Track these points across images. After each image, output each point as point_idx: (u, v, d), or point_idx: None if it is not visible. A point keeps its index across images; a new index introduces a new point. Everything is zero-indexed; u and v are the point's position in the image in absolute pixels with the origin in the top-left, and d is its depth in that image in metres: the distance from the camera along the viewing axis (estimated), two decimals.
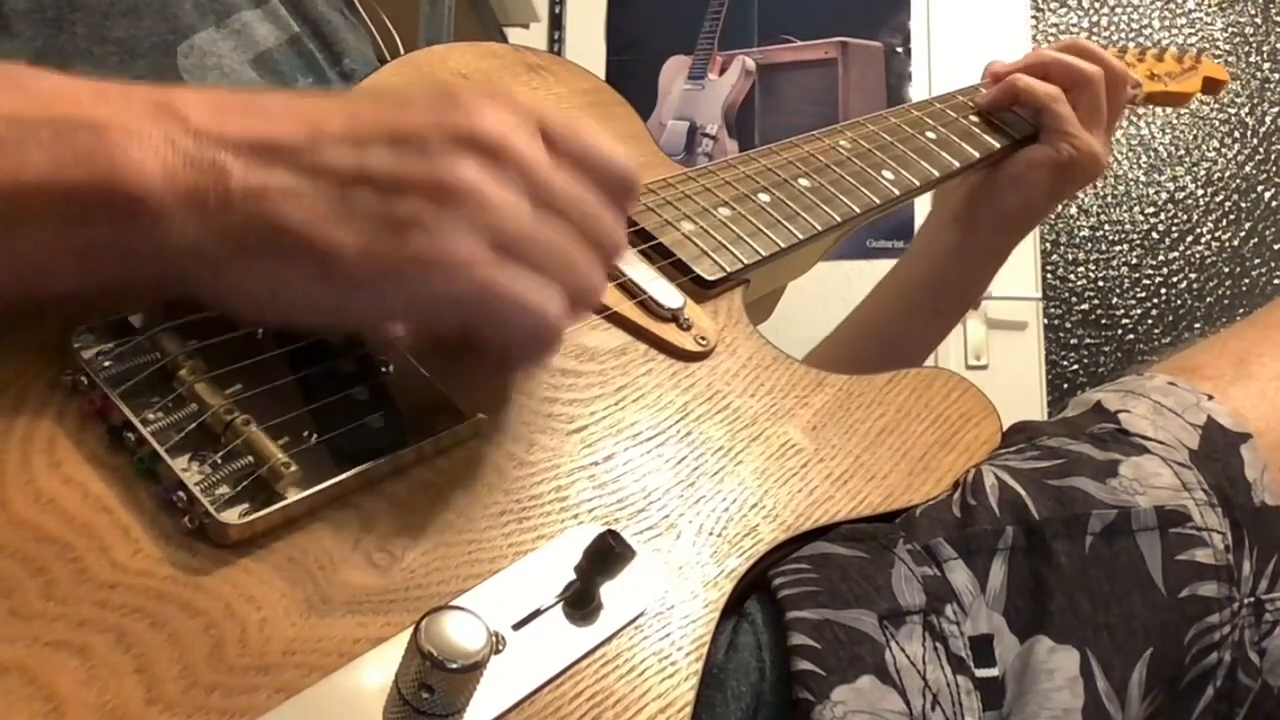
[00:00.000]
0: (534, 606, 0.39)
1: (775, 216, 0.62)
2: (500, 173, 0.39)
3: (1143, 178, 2.04)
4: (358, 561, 0.38)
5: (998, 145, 0.80)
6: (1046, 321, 1.96)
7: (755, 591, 0.46)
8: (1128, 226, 2.03)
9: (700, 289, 0.57)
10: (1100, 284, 2.02)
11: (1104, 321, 2.02)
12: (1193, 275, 2.01)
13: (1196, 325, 1.99)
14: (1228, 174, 2.03)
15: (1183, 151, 2.04)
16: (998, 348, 1.83)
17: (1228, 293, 2.00)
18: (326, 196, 0.38)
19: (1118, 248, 2.03)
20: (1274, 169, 2.03)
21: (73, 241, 0.37)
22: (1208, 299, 2.00)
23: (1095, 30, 2.09)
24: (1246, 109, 2.04)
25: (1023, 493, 0.49)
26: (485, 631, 0.34)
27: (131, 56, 0.54)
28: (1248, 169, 2.03)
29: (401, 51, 0.63)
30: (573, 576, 0.40)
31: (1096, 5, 2.10)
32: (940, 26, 1.97)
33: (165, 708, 0.33)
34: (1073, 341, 2.02)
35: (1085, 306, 2.02)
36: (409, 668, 0.34)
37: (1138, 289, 2.02)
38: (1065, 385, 1.99)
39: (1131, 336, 2.01)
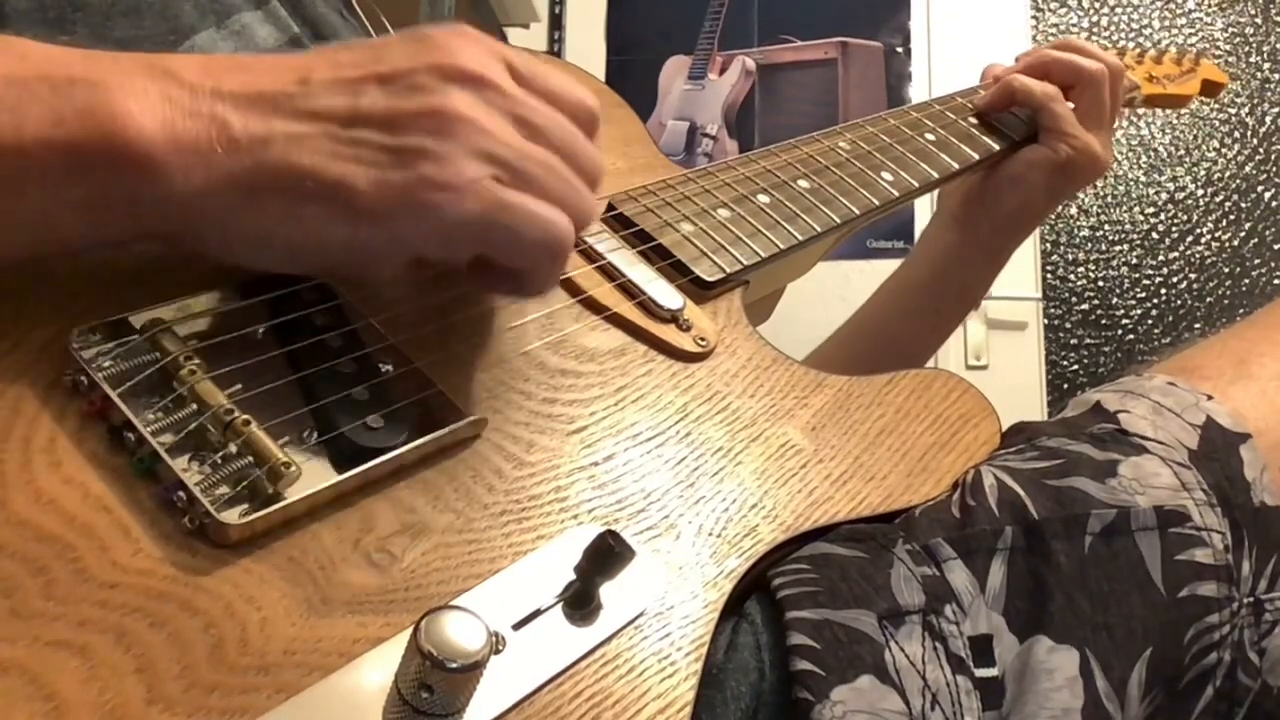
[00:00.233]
0: (534, 606, 0.39)
1: (774, 218, 0.63)
2: (486, 100, 0.41)
3: (1143, 178, 2.04)
4: (358, 561, 0.38)
5: (996, 147, 0.80)
6: (1046, 321, 1.97)
7: (755, 592, 0.46)
8: (1128, 226, 2.03)
9: (700, 290, 0.57)
10: (1100, 284, 2.02)
11: (1104, 321, 2.02)
12: (1193, 275, 2.01)
13: (1196, 325, 1.99)
14: (1228, 174, 2.03)
15: (1183, 151, 2.04)
16: (998, 348, 1.83)
17: (1228, 293, 2.00)
18: (330, 137, 0.39)
19: (1118, 248, 2.03)
20: (1274, 169, 2.03)
21: (76, 196, 0.37)
22: (1208, 299, 2.00)
23: (1095, 30, 2.09)
24: (1246, 109, 2.04)
25: (1022, 493, 0.49)
26: (485, 631, 0.34)
27: None
28: (1248, 169, 2.03)
29: None
30: (572, 577, 0.40)
31: (1096, 5, 2.10)
32: (940, 26, 1.97)
33: (166, 707, 0.33)
34: (1073, 341, 2.02)
35: (1085, 306, 2.02)
36: (409, 668, 0.34)
37: (1138, 289, 2.02)
38: (1065, 385, 1.99)
39: (1131, 336, 2.01)
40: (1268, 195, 2.02)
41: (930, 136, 0.77)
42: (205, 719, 0.33)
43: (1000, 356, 1.83)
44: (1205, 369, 0.56)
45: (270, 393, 0.42)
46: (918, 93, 1.95)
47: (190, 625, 0.35)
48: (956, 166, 0.76)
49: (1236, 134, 2.04)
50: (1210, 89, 0.99)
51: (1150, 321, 2.01)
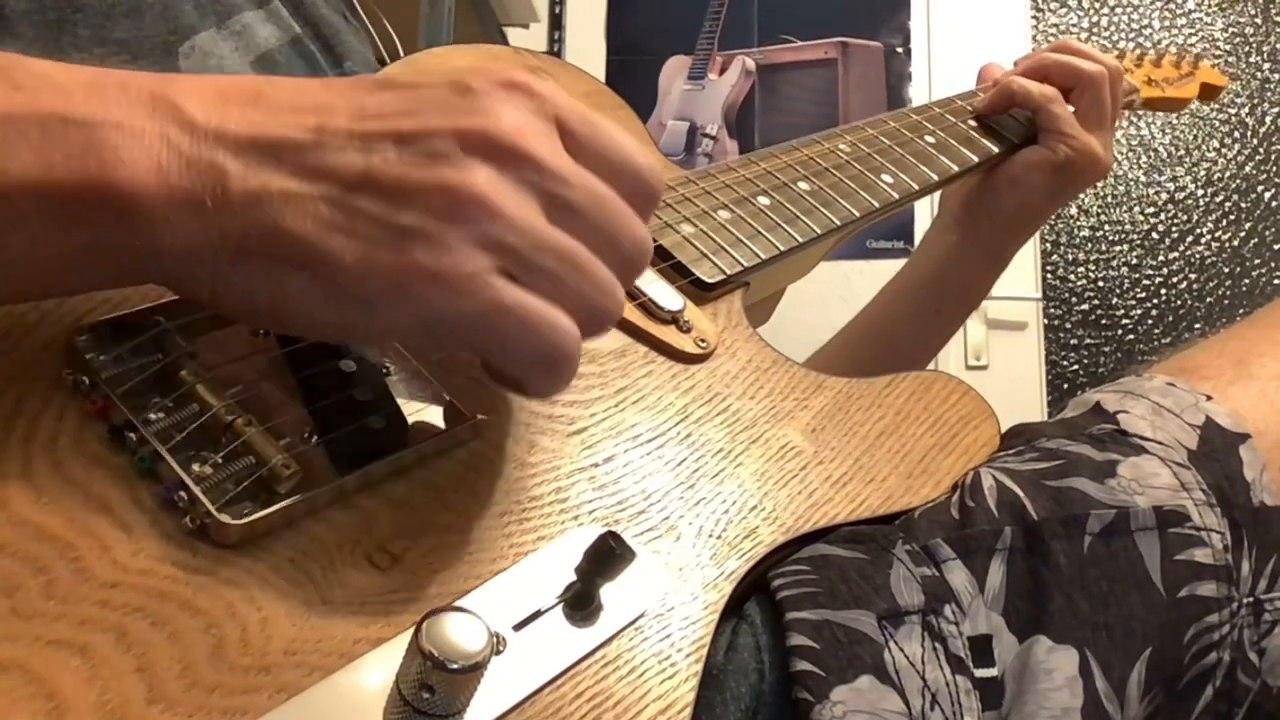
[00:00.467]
0: (534, 607, 0.39)
1: (775, 220, 0.63)
2: (514, 176, 0.37)
3: (1143, 178, 2.04)
4: (358, 562, 0.38)
5: (995, 150, 0.80)
6: (1046, 321, 1.97)
7: (755, 593, 0.46)
8: (1128, 226, 2.03)
9: (700, 291, 0.57)
10: (1100, 284, 2.02)
11: (1104, 321, 2.02)
12: (1193, 275, 2.01)
13: (1196, 325, 1.99)
14: (1228, 174, 2.03)
15: (1183, 151, 2.04)
16: (998, 348, 1.83)
17: (1228, 293, 2.00)
18: (329, 201, 0.35)
19: (1118, 248, 2.03)
20: (1274, 169, 2.03)
21: (63, 245, 0.35)
22: (1208, 299, 2.00)
23: (1095, 31, 2.10)
24: (1246, 109, 2.04)
25: (1021, 493, 0.49)
26: (486, 632, 0.34)
27: (133, 57, 0.54)
28: (1248, 169, 2.03)
29: (402, 54, 0.63)
30: (573, 578, 0.40)
31: (1096, 5, 2.10)
32: (940, 26, 1.98)
33: (166, 707, 0.33)
34: (1073, 341, 2.02)
35: (1085, 306, 2.02)
36: (410, 668, 0.34)
37: (1138, 289, 2.02)
38: (1065, 385, 1.99)
39: (1131, 336, 2.01)
40: (1268, 195, 2.02)
41: (930, 139, 0.77)
42: (206, 719, 0.33)
43: (1000, 356, 1.83)
44: (1205, 369, 0.56)
45: (271, 393, 0.42)
46: (918, 93, 1.95)
47: (191, 625, 0.35)
48: (956, 169, 0.76)
49: (1236, 134, 2.04)
50: (1209, 92, 1.00)
51: (1150, 321, 2.01)
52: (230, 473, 0.38)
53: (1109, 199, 2.04)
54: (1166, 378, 0.55)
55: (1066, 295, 2.03)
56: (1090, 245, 2.03)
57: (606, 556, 0.39)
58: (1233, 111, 2.04)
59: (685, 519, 0.45)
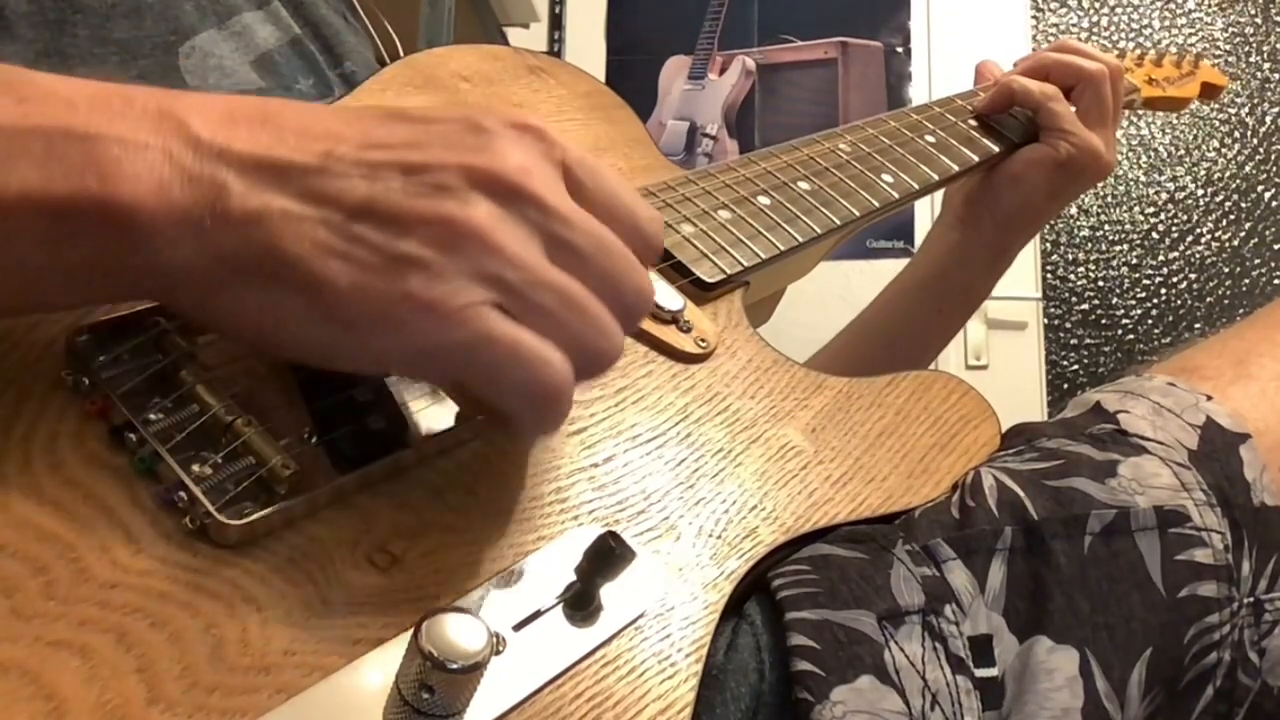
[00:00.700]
0: (534, 607, 0.39)
1: (775, 219, 0.63)
2: (516, 213, 0.37)
3: (1143, 178, 2.04)
4: (358, 562, 0.38)
5: (996, 149, 0.80)
6: (1046, 321, 1.97)
7: (755, 593, 0.46)
8: (1128, 226, 2.03)
9: (700, 291, 0.57)
10: (1100, 284, 2.02)
11: (1104, 321, 2.02)
12: (1193, 275, 2.01)
13: (1196, 325, 1.99)
14: (1228, 174, 2.03)
15: (1183, 151, 2.04)
16: (998, 348, 1.83)
17: (1228, 293, 2.00)
18: (328, 226, 0.35)
19: (1118, 248, 2.03)
20: (1274, 169, 2.03)
21: (60, 259, 0.34)
22: (1208, 299, 2.00)
23: (1095, 30, 2.10)
24: (1246, 109, 2.04)
25: (1021, 493, 0.49)
26: (486, 632, 0.34)
27: (133, 58, 0.54)
28: (1248, 169, 2.03)
29: (402, 54, 0.63)
30: (573, 578, 0.40)
31: (1096, 5, 2.10)
32: (940, 26, 1.98)
33: (166, 708, 0.33)
34: (1073, 341, 2.02)
35: (1085, 306, 2.02)
36: (409, 668, 0.34)
37: (1138, 289, 2.02)
38: (1065, 385, 1.99)
39: (1131, 336, 2.01)
40: (1268, 195, 2.02)
41: (930, 139, 0.77)
42: (206, 719, 0.33)
43: (1000, 356, 1.83)
44: (1205, 369, 0.56)
45: (271, 393, 0.42)
46: (918, 93, 1.95)
47: (191, 625, 0.35)
48: (956, 169, 0.76)
49: (1236, 134, 2.04)
50: (1209, 91, 1.00)
51: (1150, 321, 2.01)
52: (230, 473, 0.38)
53: (1109, 199, 2.04)
54: (1167, 378, 0.55)
55: (1066, 295, 2.03)
56: (1090, 245, 2.03)
57: (606, 556, 0.39)
58: (1233, 111, 2.04)
59: (685, 519, 0.45)
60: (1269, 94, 2.05)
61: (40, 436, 0.37)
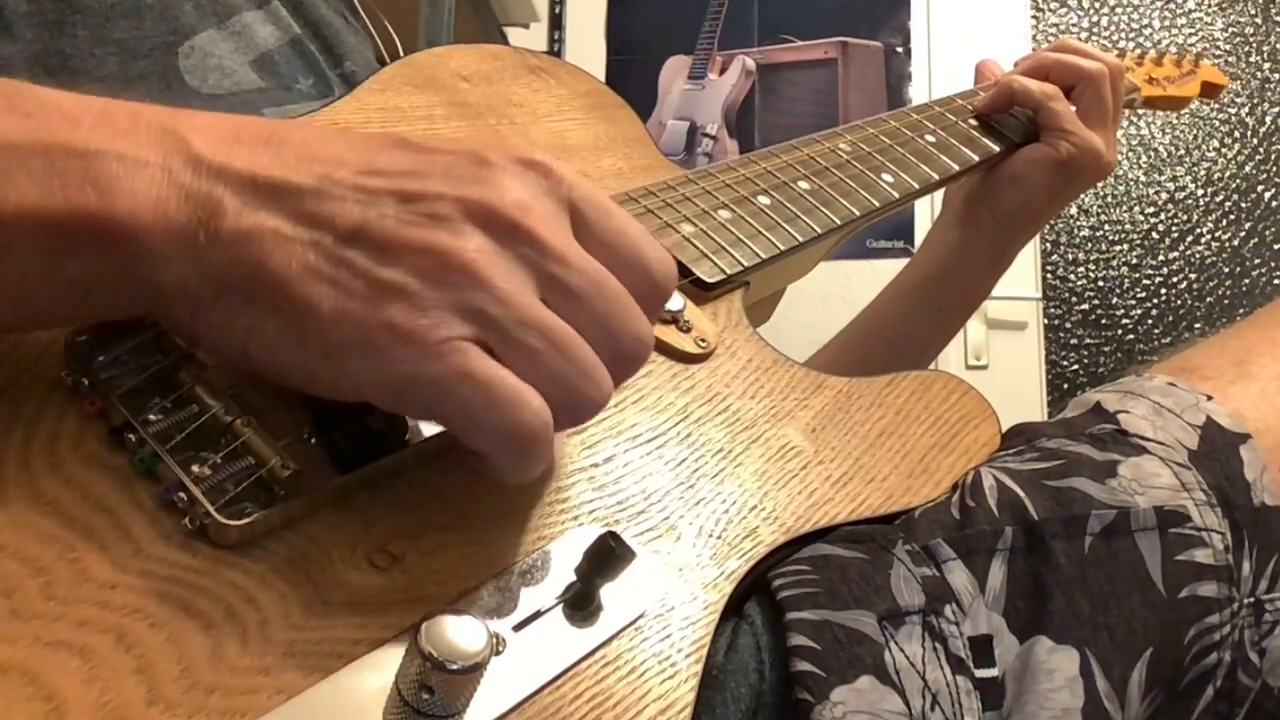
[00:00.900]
0: (534, 608, 0.39)
1: (775, 219, 0.63)
2: (511, 250, 0.36)
3: (1143, 178, 2.04)
4: (358, 562, 0.38)
5: (996, 149, 0.80)
6: (1046, 321, 1.97)
7: (755, 593, 0.46)
8: (1128, 226, 2.03)
9: (700, 291, 0.57)
10: (1100, 284, 2.02)
11: (1104, 321, 2.02)
12: (1193, 275, 2.01)
13: (1196, 325, 1.99)
14: (1228, 174, 2.03)
15: (1183, 151, 2.04)
16: (998, 348, 1.83)
17: (1228, 293, 2.00)
18: (317, 249, 0.35)
19: (1118, 248, 2.03)
20: (1274, 169, 2.03)
21: (55, 274, 0.35)
22: (1208, 299, 2.01)
23: (1095, 30, 2.10)
24: (1246, 109, 2.04)
25: (1021, 493, 0.49)
26: (485, 633, 0.34)
27: (132, 58, 0.54)
28: (1248, 169, 2.03)
29: (402, 54, 0.63)
30: (573, 578, 0.40)
31: (1096, 5, 2.10)
32: (940, 26, 1.98)
33: (166, 708, 0.33)
34: (1073, 341, 2.02)
35: (1085, 306, 2.02)
36: (409, 669, 0.34)
37: (1138, 289, 2.02)
38: (1065, 385, 1.99)
39: (1131, 336, 2.01)
40: (1268, 195, 2.02)
41: (930, 138, 0.77)
42: (205, 719, 0.33)
43: (1000, 356, 1.83)
44: (1205, 369, 0.56)
45: (271, 394, 0.42)
46: (918, 93, 1.95)
47: (190, 626, 0.35)
48: (956, 168, 0.76)
49: (1236, 134, 2.04)
50: (1210, 90, 1.00)
51: (1150, 321, 2.01)
52: (229, 473, 0.38)
53: (1109, 199, 2.04)
54: (1167, 378, 0.55)
55: (1066, 295, 2.03)
56: (1090, 245, 2.03)
57: (606, 556, 0.39)
58: (1233, 111, 2.04)
59: (685, 519, 0.45)
60: (1269, 94, 2.05)
61: (40, 437, 0.37)
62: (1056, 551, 0.47)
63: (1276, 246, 2.00)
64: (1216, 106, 2.03)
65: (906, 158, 0.74)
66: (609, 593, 0.40)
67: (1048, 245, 2.02)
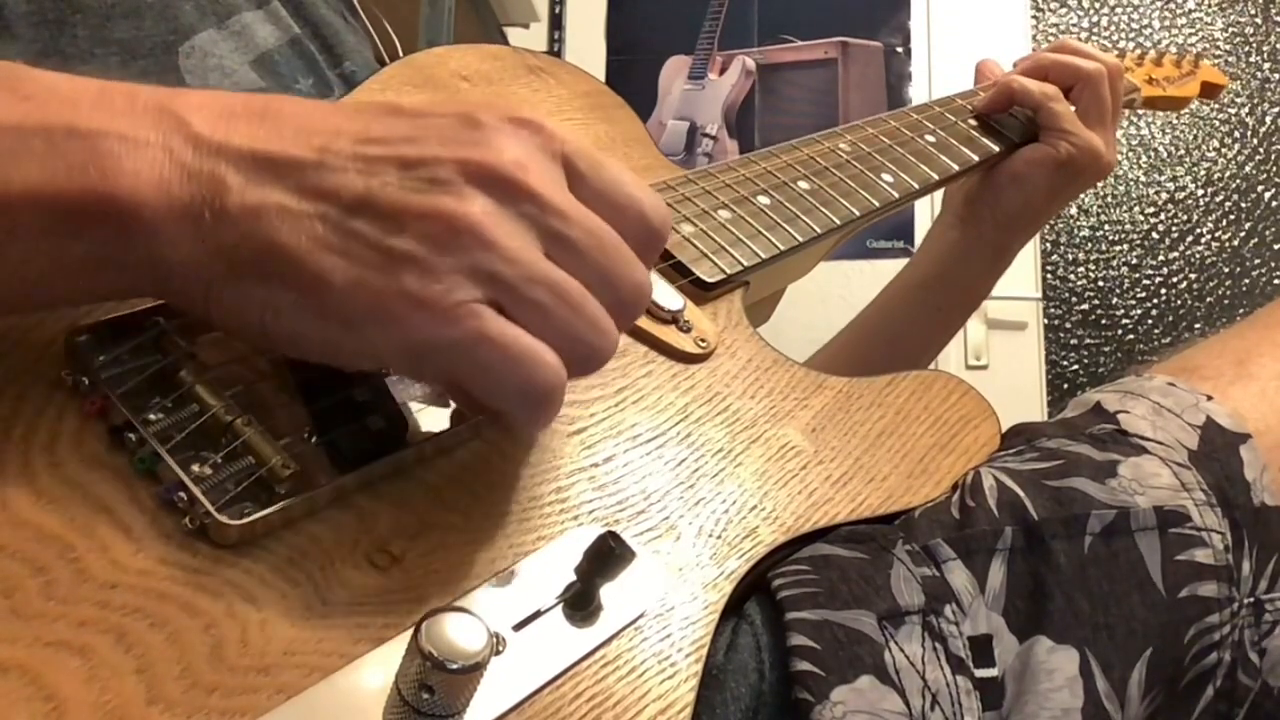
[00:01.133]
0: (534, 607, 0.39)
1: (775, 219, 0.63)
2: (512, 209, 0.37)
3: (1143, 178, 2.04)
4: (358, 562, 0.38)
5: (996, 149, 0.80)
6: (1046, 321, 1.97)
7: (755, 593, 0.46)
8: (1128, 226, 2.03)
9: (700, 291, 0.57)
10: (1100, 284, 2.02)
11: (1104, 321, 2.02)
12: (1193, 275, 2.01)
13: (1196, 325, 1.99)
14: (1228, 174, 2.03)
15: (1183, 151, 2.04)
16: (998, 348, 1.83)
17: (1228, 293, 2.00)
18: (324, 220, 0.35)
19: (1118, 248, 2.03)
20: (1274, 169, 2.03)
21: (61, 256, 0.35)
22: (1208, 299, 2.00)
23: (1095, 30, 2.10)
24: (1246, 109, 2.04)
25: (1021, 493, 0.49)
26: (485, 632, 0.34)
27: (132, 57, 0.54)
28: (1248, 169, 2.03)
29: (401, 54, 0.63)
30: (573, 578, 0.40)
31: (1096, 5, 2.10)
32: (940, 26, 1.98)
33: (166, 708, 0.33)
34: (1073, 341, 2.02)
35: (1085, 306, 2.02)
36: (409, 668, 0.34)
37: (1138, 289, 2.02)
38: (1065, 385, 1.99)
39: (1131, 336, 2.01)
40: (1268, 195, 2.02)
41: (930, 138, 0.77)
42: (205, 719, 0.33)
43: (1000, 356, 1.83)
44: (1205, 369, 0.56)
45: (271, 393, 0.42)
46: (918, 93, 1.95)
47: (190, 625, 0.35)
48: (956, 168, 0.76)
49: (1236, 134, 2.04)
50: (1209, 91, 1.00)
51: (1150, 321, 2.01)
52: (230, 473, 0.38)
53: (1109, 199, 2.04)
54: (1167, 378, 0.55)
55: (1066, 295, 2.03)
56: (1090, 245, 2.03)
57: (606, 556, 0.39)
58: (1233, 111, 2.04)
59: (685, 519, 0.45)
60: (1269, 94, 2.05)
61: (40, 436, 0.37)
62: (1056, 551, 0.47)
63: (1276, 246, 2.00)
64: (1216, 106, 2.03)
65: (906, 158, 0.74)
66: (609, 593, 0.40)
67: (1048, 245, 2.02)
